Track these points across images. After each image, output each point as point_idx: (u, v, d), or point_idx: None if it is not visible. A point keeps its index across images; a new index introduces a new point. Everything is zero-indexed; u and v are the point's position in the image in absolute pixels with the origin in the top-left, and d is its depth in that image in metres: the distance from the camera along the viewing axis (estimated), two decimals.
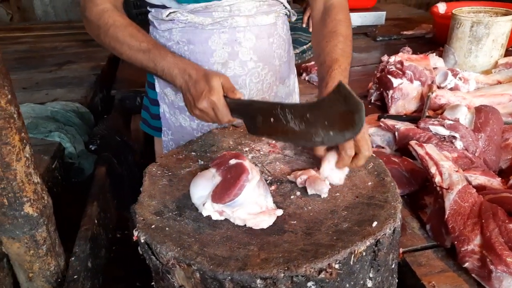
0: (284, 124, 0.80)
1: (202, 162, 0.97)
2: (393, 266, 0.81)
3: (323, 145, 0.84)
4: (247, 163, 0.78)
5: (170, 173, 0.93)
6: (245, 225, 0.76)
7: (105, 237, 1.27)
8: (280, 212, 0.78)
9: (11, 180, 0.82)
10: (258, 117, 0.86)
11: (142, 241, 0.74)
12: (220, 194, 0.76)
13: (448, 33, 1.88)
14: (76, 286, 0.95)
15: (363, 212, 0.77)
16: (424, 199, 1.06)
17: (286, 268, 0.64)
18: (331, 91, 0.73)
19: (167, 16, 1.09)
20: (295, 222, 0.76)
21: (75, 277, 0.97)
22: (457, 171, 0.99)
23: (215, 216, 0.77)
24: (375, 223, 0.72)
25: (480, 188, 1.03)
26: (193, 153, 1.01)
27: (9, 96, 0.78)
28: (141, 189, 0.87)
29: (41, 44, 2.62)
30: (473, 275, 0.84)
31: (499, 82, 1.61)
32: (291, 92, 1.35)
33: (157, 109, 1.26)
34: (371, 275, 0.74)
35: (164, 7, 1.11)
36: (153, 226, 0.75)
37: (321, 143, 0.79)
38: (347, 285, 0.70)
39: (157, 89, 1.23)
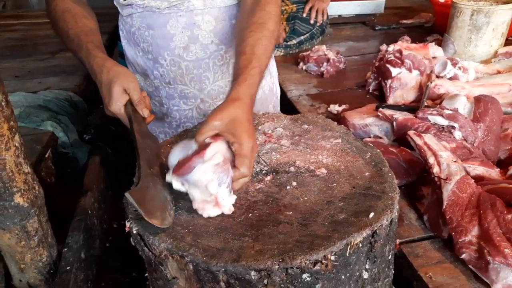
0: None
1: None
2: (389, 258, 0.80)
3: None
4: (214, 146, 0.74)
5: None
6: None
7: (100, 227, 1.26)
8: (227, 209, 0.75)
9: (0, 170, 0.80)
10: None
11: (135, 232, 0.72)
12: (178, 165, 0.73)
13: (447, 22, 1.86)
14: (69, 277, 0.93)
15: (360, 203, 0.75)
16: (421, 189, 1.05)
17: (281, 260, 0.63)
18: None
19: (124, 0, 1.08)
20: (291, 213, 0.75)
21: (67, 268, 0.95)
22: (455, 161, 0.97)
23: (176, 185, 0.74)
24: (372, 214, 0.71)
25: (478, 179, 1.01)
26: None
27: None
28: (134, 179, 0.85)
29: (34, 32, 2.56)
30: (470, 266, 0.83)
31: (499, 72, 1.59)
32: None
33: None
34: (367, 266, 0.73)
35: None
36: None
37: None
38: (343, 277, 0.69)
39: None
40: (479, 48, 1.77)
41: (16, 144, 0.82)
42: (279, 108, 1.45)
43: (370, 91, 1.65)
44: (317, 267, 0.65)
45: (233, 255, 0.65)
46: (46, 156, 1.35)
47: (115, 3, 1.14)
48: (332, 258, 0.65)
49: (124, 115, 0.91)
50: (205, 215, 0.74)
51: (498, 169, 1.07)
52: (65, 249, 1.00)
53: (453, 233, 0.87)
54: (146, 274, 0.84)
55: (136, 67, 1.22)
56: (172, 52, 1.13)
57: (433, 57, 1.62)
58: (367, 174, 0.84)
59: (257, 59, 0.87)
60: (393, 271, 0.85)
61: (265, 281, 0.64)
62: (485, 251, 0.80)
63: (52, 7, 1.04)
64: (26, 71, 1.92)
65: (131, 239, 0.75)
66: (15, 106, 1.31)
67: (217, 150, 0.74)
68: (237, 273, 0.63)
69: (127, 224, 0.73)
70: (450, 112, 1.15)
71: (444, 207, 0.90)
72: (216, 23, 1.12)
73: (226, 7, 1.12)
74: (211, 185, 0.72)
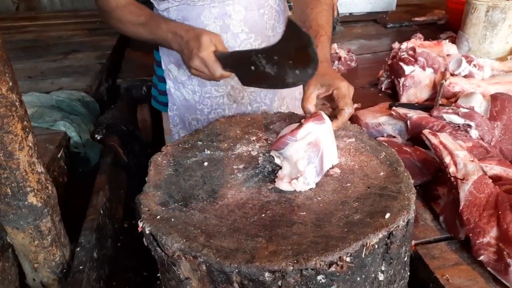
0: (262, 70, 0.87)
1: (209, 152, 0.94)
2: (405, 259, 0.78)
3: (295, 85, 0.87)
4: (307, 127, 0.80)
5: (176, 163, 0.91)
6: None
7: (112, 227, 1.26)
8: (303, 187, 0.79)
9: (14, 170, 0.81)
10: (244, 67, 0.92)
11: (147, 232, 0.72)
12: (276, 141, 0.81)
13: (461, 18, 1.82)
14: (82, 276, 0.94)
15: (375, 203, 0.74)
16: (437, 190, 1.03)
17: (295, 261, 0.62)
18: (284, 30, 0.79)
19: None
20: (304, 213, 0.74)
21: (80, 267, 0.96)
22: (472, 161, 0.95)
23: (276, 159, 0.84)
24: (388, 215, 0.69)
25: (496, 179, 0.99)
26: (199, 143, 0.98)
27: (10, 84, 0.76)
28: (146, 179, 0.85)
29: (47, 33, 2.60)
30: (488, 268, 0.81)
31: None
32: None
33: (164, 85, 1.32)
34: (383, 268, 0.71)
35: None
36: (158, 217, 0.74)
37: (292, 84, 0.85)
38: (358, 279, 0.68)
39: (163, 66, 1.29)
40: (494, 45, 1.74)
41: (30, 144, 0.83)
42: None
43: (383, 89, 1.63)
44: (332, 268, 0.63)
45: (246, 256, 0.64)
46: (59, 156, 1.36)
47: None
48: (348, 259, 0.64)
49: (213, 59, 0.97)
50: (282, 187, 0.80)
51: None
52: (78, 249, 1.00)
53: (470, 234, 0.85)
54: (158, 274, 0.84)
55: (170, 57, 1.27)
56: None
57: (447, 55, 1.59)
58: (382, 174, 0.82)
59: (322, 28, 1.01)
60: (408, 273, 0.83)
61: (279, 283, 0.63)
62: (505, 253, 0.78)
63: (113, 5, 1.11)
64: (39, 71, 1.95)
65: (144, 239, 0.75)
66: (28, 106, 1.32)
67: (310, 131, 0.80)
68: (251, 274, 0.62)
69: (140, 224, 0.73)
70: (466, 110, 1.13)
71: (461, 207, 0.87)
72: (246, 13, 1.17)
73: None
74: (300, 163, 0.78)
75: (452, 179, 0.93)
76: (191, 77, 1.26)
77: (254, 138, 0.99)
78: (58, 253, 0.96)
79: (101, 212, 1.17)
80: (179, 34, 1.01)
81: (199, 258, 0.65)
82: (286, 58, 0.81)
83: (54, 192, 0.93)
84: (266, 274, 0.62)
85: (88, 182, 1.45)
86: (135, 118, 2.09)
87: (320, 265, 0.62)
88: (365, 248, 0.66)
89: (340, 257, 0.63)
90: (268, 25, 1.22)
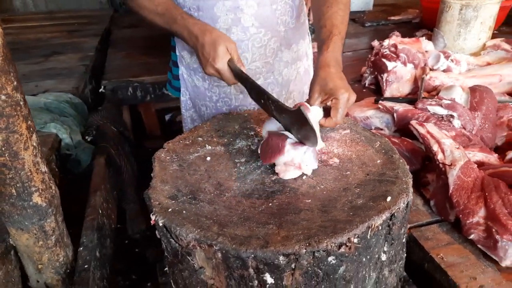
0: (270, 110, 0.92)
1: (210, 147, 0.97)
2: (403, 240, 0.83)
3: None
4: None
5: (179, 159, 0.93)
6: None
7: (109, 227, 1.26)
8: (309, 170, 0.83)
9: (19, 170, 0.81)
10: (254, 93, 0.99)
11: (161, 224, 0.74)
12: (265, 154, 0.85)
13: (436, 17, 1.92)
14: (87, 275, 0.94)
15: (376, 188, 0.78)
16: (426, 176, 1.09)
17: (307, 244, 0.66)
18: (293, 110, 0.82)
19: None
20: (309, 200, 0.78)
21: (85, 266, 0.96)
22: (458, 148, 1.02)
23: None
24: (389, 198, 0.74)
25: (479, 164, 1.06)
26: (199, 139, 1.00)
27: (15, 83, 0.76)
28: (152, 174, 0.87)
29: (25, 35, 2.54)
30: (478, 245, 0.88)
31: (489, 64, 1.66)
32: (299, 57, 1.37)
33: (177, 70, 1.35)
34: (385, 248, 0.76)
35: None
36: (169, 209, 0.76)
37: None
38: (364, 259, 0.72)
39: (177, 52, 1.33)
40: (468, 41, 1.83)
41: (34, 144, 0.83)
42: None
43: (366, 85, 1.70)
44: (342, 249, 0.67)
45: (260, 242, 0.67)
46: (50, 158, 1.34)
47: None
48: (355, 240, 0.68)
49: (227, 70, 1.04)
50: (286, 177, 0.84)
51: (496, 154, 1.12)
52: (81, 248, 1.00)
53: (460, 216, 0.91)
54: (166, 268, 0.86)
55: (184, 44, 1.29)
56: None
57: (426, 51, 1.67)
58: (379, 161, 0.87)
59: (336, 28, 1.04)
60: (405, 255, 0.88)
61: (293, 265, 0.67)
62: (493, 230, 0.84)
63: None
64: (21, 74, 1.90)
65: (156, 232, 0.77)
66: None
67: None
68: (267, 258, 0.66)
69: (152, 218, 0.75)
70: (449, 102, 1.20)
71: (450, 191, 0.94)
72: (258, 8, 1.18)
73: None
74: (295, 159, 0.82)
75: (441, 165, 0.99)
76: None
77: (252, 133, 1.02)
78: (62, 253, 0.96)
79: (100, 212, 1.18)
80: (194, 34, 1.05)
81: (214, 246, 0.68)
82: (292, 124, 0.85)
83: (57, 192, 0.93)
84: (281, 257, 0.66)
85: (78, 184, 1.44)
86: (122, 119, 2.08)
87: (331, 246, 0.66)
88: (370, 229, 0.70)
89: (348, 239, 0.68)
90: (280, 20, 1.23)
